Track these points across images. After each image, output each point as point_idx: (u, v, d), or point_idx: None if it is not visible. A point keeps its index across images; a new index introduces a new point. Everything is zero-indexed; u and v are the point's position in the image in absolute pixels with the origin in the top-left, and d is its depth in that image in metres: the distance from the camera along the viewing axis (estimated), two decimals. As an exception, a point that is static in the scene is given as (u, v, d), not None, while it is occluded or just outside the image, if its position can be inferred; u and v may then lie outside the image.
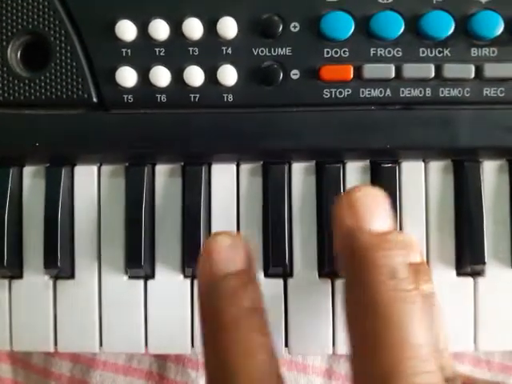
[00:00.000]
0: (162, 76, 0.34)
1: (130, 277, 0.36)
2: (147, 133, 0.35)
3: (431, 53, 0.34)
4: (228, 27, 0.34)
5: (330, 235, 0.35)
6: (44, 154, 0.36)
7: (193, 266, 0.35)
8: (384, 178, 0.36)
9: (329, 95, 0.34)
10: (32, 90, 0.35)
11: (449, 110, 0.34)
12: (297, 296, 0.36)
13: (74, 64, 0.35)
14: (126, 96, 0.35)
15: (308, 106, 0.35)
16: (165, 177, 0.37)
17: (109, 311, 0.36)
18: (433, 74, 0.34)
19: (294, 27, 0.34)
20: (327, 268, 0.36)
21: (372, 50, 0.34)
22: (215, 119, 0.35)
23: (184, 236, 0.36)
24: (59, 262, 0.36)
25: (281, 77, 0.34)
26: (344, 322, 0.27)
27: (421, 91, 0.34)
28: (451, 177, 0.36)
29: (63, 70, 0.35)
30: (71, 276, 0.37)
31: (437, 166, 0.36)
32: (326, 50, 0.34)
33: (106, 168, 0.37)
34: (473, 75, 0.34)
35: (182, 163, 0.37)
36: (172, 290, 0.36)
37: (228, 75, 0.34)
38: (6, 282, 0.37)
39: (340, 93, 0.34)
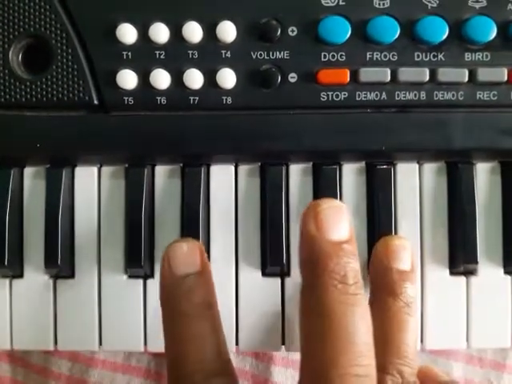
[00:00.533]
0: (162, 79, 0.35)
1: (130, 276, 0.37)
2: (147, 134, 0.35)
3: (426, 57, 0.35)
4: (227, 31, 0.34)
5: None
6: (45, 156, 0.36)
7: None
8: (379, 180, 0.36)
9: (326, 98, 0.35)
10: (33, 92, 0.35)
11: (443, 113, 0.35)
12: (294, 295, 0.36)
13: (75, 66, 0.35)
14: (126, 98, 0.35)
15: (305, 108, 0.35)
16: (164, 178, 0.37)
17: (108, 310, 0.37)
18: (427, 78, 0.35)
19: (292, 31, 0.35)
20: (324, 267, 0.36)
21: (368, 54, 0.35)
22: (214, 121, 0.35)
23: (183, 236, 0.36)
24: (59, 262, 0.36)
25: (279, 80, 0.35)
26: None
27: (416, 94, 0.35)
28: (445, 178, 0.37)
29: (64, 73, 0.35)
30: (71, 275, 0.37)
31: (431, 168, 0.37)
32: (323, 53, 0.35)
33: (106, 169, 0.37)
34: (466, 79, 0.35)
35: (182, 164, 0.37)
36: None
37: (227, 78, 0.35)
38: (7, 281, 0.37)
39: (337, 96, 0.35)
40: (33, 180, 0.37)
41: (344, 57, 0.35)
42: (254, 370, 0.42)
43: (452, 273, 0.37)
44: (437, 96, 0.35)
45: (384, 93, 0.35)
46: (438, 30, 0.34)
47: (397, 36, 0.34)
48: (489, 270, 0.36)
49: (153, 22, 0.35)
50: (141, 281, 0.37)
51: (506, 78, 0.34)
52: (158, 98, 0.35)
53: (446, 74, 0.35)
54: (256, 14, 0.35)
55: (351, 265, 0.29)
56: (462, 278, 0.37)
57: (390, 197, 0.36)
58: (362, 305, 0.29)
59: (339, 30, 0.34)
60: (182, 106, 0.35)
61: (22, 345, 0.37)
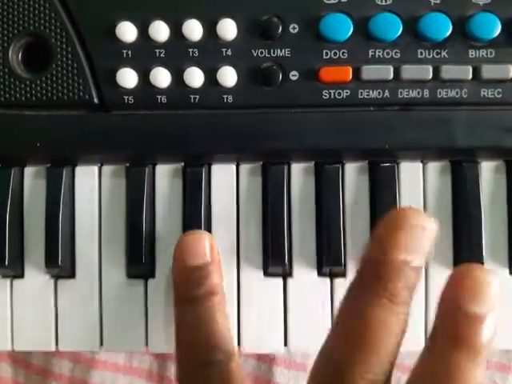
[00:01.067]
0: (162, 77, 0.34)
1: (131, 276, 0.37)
2: (148, 133, 0.35)
3: (429, 54, 0.34)
4: (228, 29, 0.34)
5: (329, 235, 0.36)
6: (45, 155, 0.36)
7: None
8: (382, 178, 0.36)
9: (328, 96, 0.35)
10: (33, 91, 0.35)
11: (447, 111, 0.35)
12: (296, 295, 0.36)
13: (75, 65, 0.35)
14: (126, 97, 0.35)
15: (307, 106, 0.35)
16: (165, 177, 0.37)
17: (109, 310, 0.37)
18: (431, 76, 0.34)
19: (294, 29, 0.34)
20: (326, 267, 0.36)
21: (370, 51, 0.34)
22: (215, 120, 0.35)
23: (184, 236, 0.36)
24: (60, 262, 0.36)
25: (280, 78, 0.34)
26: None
27: (419, 92, 0.34)
28: (449, 177, 0.36)
29: (64, 71, 0.35)
30: (72, 275, 0.37)
31: (435, 167, 0.36)
32: (325, 51, 0.34)
33: (106, 168, 0.37)
34: (470, 76, 0.34)
35: (183, 163, 0.37)
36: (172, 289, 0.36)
37: (228, 76, 0.34)
38: (8, 281, 0.37)
39: (339, 94, 0.35)
40: (33, 179, 0.37)
41: (346, 54, 0.34)
42: (257, 370, 0.42)
43: (456, 273, 0.36)
44: (440, 94, 0.34)
45: (387, 91, 0.34)
46: (441, 26, 0.34)
47: (399, 33, 0.34)
48: (494, 271, 0.36)
49: (153, 20, 0.34)
50: (142, 281, 0.37)
51: (510, 76, 0.34)
52: (159, 97, 0.35)
53: (450, 72, 0.34)
54: (257, 11, 0.34)
55: (402, 283, 0.28)
56: (467, 279, 0.36)
57: (393, 196, 0.36)
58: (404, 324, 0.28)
59: (341, 27, 0.34)
60: (182, 104, 0.35)
61: (23, 346, 0.37)
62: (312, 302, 0.36)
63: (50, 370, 0.43)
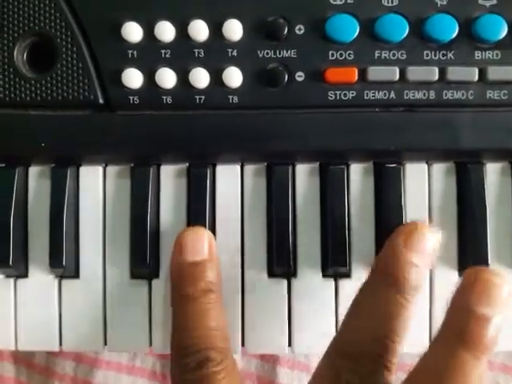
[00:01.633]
0: (167, 78, 0.34)
1: (135, 276, 0.37)
2: (153, 134, 0.35)
3: (435, 55, 0.34)
4: (233, 29, 0.34)
5: (334, 236, 0.36)
6: (50, 155, 0.36)
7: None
8: (388, 179, 0.36)
9: (333, 97, 0.35)
10: (38, 91, 0.35)
11: (452, 113, 0.35)
12: (300, 296, 0.36)
13: (80, 65, 0.35)
14: (131, 97, 0.35)
15: (313, 107, 0.35)
16: (170, 177, 0.37)
17: (113, 310, 0.37)
18: (436, 77, 0.34)
19: (299, 30, 0.34)
20: (331, 268, 0.36)
21: (376, 52, 0.34)
22: (220, 121, 0.35)
23: (189, 236, 0.36)
24: (64, 262, 0.36)
25: (286, 79, 0.34)
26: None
27: (424, 94, 0.34)
28: (454, 178, 0.36)
29: (69, 71, 0.35)
30: (76, 275, 0.37)
31: (440, 168, 0.36)
32: (330, 52, 0.34)
33: (111, 168, 0.37)
34: (476, 78, 0.34)
35: (187, 164, 0.37)
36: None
37: (233, 77, 0.34)
38: (12, 281, 0.37)
39: (345, 95, 0.35)
40: (38, 179, 0.37)
41: (352, 55, 0.34)
42: (260, 371, 0.42)
43: (461, 275, 0.36)
44: (446, 95, 0.34)
45: (392, 92, 0.34)
46: (447, 28, 0.34)
47: (405, 34, 0.34)
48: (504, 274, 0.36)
49: (158, 20, 0.34)
50: (146, 281, 0.37)
51: (516, 77, 0.34)
52: (164, 97, 0.35)
53: (456, 73, 0.34)
54: (263, 12, 0.34)
55: (414, 285, 0.31)
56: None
57: (398, 197, 0.36)
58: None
59: (347, 28, 0.34)
60: (187, 105, 0.35)
61: (27, 345, 0.37)
62: (316, 302, 0.36)
63: (53, 370, 0.43)
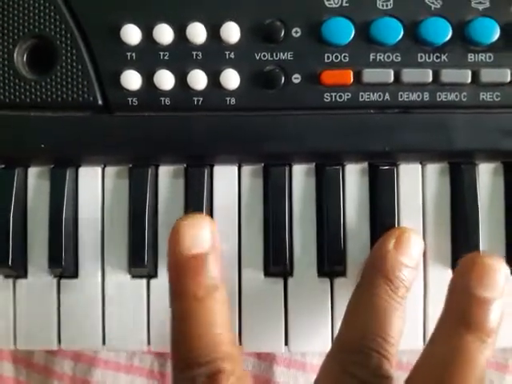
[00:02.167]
0: (166, 79, 0.35)
1: (134, 276, 0.37)
2: (151, 135, 0.35)
3: (429, 58, 0.35)
4: (231, 32, 0.34)
5: (330, 235, 0.36)
6: (49, 156, 0.36)
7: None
8: (382, 180, 0.36)
9: (329, 99, 0.35)
10: (38, 93, 0.35)
11: (446, 114, 0.35)
12: (296, 295, 0.37)
13: (80, 67, 0.35)
14: (130, 99, 0.35)
15: (309, 109, 0.35)
16: (168, 178, 0.37)
17: (112, 310, 0.37)
18: (430, 79, 0.35)
19: (296, 32, 0.35)
20: (326, 267, 0.36)
21: (371, 55, 0.35)
22: (218, 122, 0.35)
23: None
24: (63, 262, 0.36)
25: (282, 81, 0.35)
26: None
27: (419, 95, 0.35)
28: (448, 179, 0.37)
29: (69, 73, 0.35)
30: (75, 275, 0.37)
31: (434, 168, 0.37)
32: (326, 54, 0.35)
33: (110, 169, 0.37)
34: (469, 80, 0.35)
35: (185, 165, 0.37)
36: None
37: (231, 79, 0.35)
38: (11, 281, 0.37)
39: (340, 97, 0.35)
40: (37, 180, 0.37)
41: (347, 58, 0.35)
42: (257, 370, 0.42)
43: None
44: (440, 97, 0.35)
45: (387, 94, 0.35)
46: (441, 31, 0.34)
47: (400, 37, 0.35)
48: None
49: (157, 22, 0.35)
50: (144, 281, 0.37)
51: (509, 79, 0.35)
52: (162, 99, 0.35)
53: (449, 75, 0.35)
54: (260, 14, 0.35)
55: (405, 283, 0.33)
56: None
57: (392, 197, 0.36)
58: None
59: (343, 31, 0.34)
60: (185, 106, 0.35)
61: (26, 344, 0.37)
62: (312, 301, 0.37)
63: (52, 369, 0.43)
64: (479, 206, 0.36)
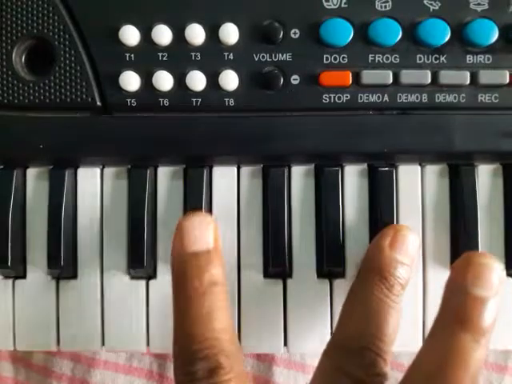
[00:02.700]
0: (164, 80, 0.35)
1: (132, 277, 0.37)
2: (150, 136, 0.35)
3: (428, 59, 0.35)
4: (230, 33, 0.34)
5: (329, 237, 0.36)
6: (48, 157, 0.36)
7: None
8: (381, 181, 0.36)
9: (328, 100, 0.35)
10: (36, 94, 0.35)
11: (444, 116, 0.35)
12: (296, 296, 0.37)
13: (78, 68, 0.35)
14: (129, 100, 0.35)
15: (307, 110, 0.35)
16: (167, 179, 0.37)
17: (111, 311, 0.37)
18: (429, 80, 0.35)
19: (295, 34, 0.35)
20: (325, 269, 0.36)
21: (370, 56, 0.35)
22: (217, 123, 0.35)
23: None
24: (62, 263, 0.36)
25: (281, 82, 0.35)
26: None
27: (417, 97, 0.35)
28: (447, 180, 0.37)
29: (67, 74, 0.35)
30: (74, 276, 0.37)
31: (433, 170, 0.37)
32: (325, 56, 0.35)
33: (108, 170, 0.37)
34: (468, 81, 0.35)
35: (184, 166, 0.37)
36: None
37: (229, 80, 0.35)
38: (10, 281, 0.37)
39: (339, 98, 0.35)
40: (36, 181, 0.37)
41: (346, 59, 0.35)
42: (256, 371, 0.42)
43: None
44: (438, 98, 0.35)
45: (386, 95, 0.35)
46: (439, 32, 0.34)
47: (399, 38, 0.35)
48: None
49: (155, 23, 0.35)
50: (143, 282, 0.37)
51: (507, 81, 0.35)
52: (161, 100, 0.35)
53: (448, 77, 0.35)
54: (259, 16, 0.35)
55: (401, 281, 0.33)
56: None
57: (392, 198, 0.36)
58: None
59: (341, 32, 0.34)
60: (184, 107, 0.35)
61: (25, 345, 0.37)
62: (311, 302, 0.37)
63: (51, 370, 0.43)
64: (478, 208, 0.36)
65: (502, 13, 0.34)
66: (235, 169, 0.37)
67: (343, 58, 0.35)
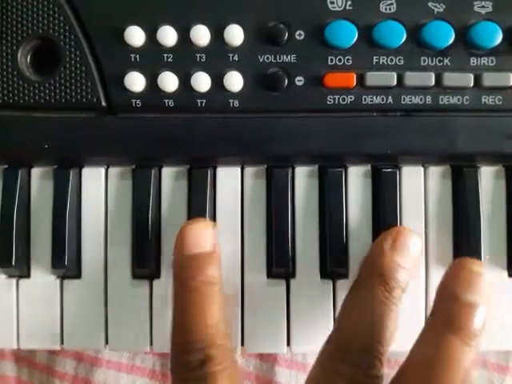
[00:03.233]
0: (169, 81, 0.35)
1: (136, 276, 0.37)
2: (154, 136, 0.36)
3: (432, 61, 0.35)
4: (235, 34, 0.35)
5: (332, 237, 0.36)
6: (52, 156, 0.37)
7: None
8: (385, 182, 0.36)
9: (332, 102, 0.35)
10: (42, 94, 0.35)
11: (448, 117, 0.35)
12: (299, 296, 0.37)
13: (84, 68, 0.35)
14: (134, 100, 0.35)
15: (312, 111, 0.36)
16: (171, 179, 0.37)
17: (114, 310, 0.37)
18: (433, 82, 0.35)
19: (299, 35, 0.35)
20: (329, 269, 0.37)
21: (374, 58, 0.35)
22: (221, 124, 0.36)
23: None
24: (66, 262, 0.36)
25: (286, 83, 0.35)
26: None
27: (421, 99, 0.35)
28: (450, 181, 0.37)
29: (73, 75, 0.35)
30: (78, 276, 0.37)
31: (436, 171, 0.37)
32: (329, 57, 0.35)
33: (113, 170, 0.38)
34: (472, 84, 0.35)
35: (188, 166, 0.37)
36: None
37: (234, 81, 0.35)
38: (14, 281, 0.37)
39: (343, 99, 0.35)
40: (40, 180, 0.37)
41: (350, 61, 0.35)
42: (258, 371, 0.42)
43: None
44: (442, 100, 0.35)
45: (390, 97, 0.35)
46: (443, 34, 0.34)
47: (403, 40, 0.35)
48: (493, 273, 0.36)
49: (161, 24, 0.35)
50: (147, 281, 0.37)
51: (511, 83, 0.35)
52: (166, 101, 0.35)
53: (452, 79, 0.35)
54: (264, 17, 0.35)
55: (401, 284, 0.33)
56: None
57: (395, 199, 0.36)
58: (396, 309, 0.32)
59: (346, 34, 0.35)
60: (189, 108, 0.35)
61: (29, 344, 0.38)
62: (314, 302, 0.37)
63: (54, 369, 0.43)
64: (481, 209, 0.36)
65: (506, 15, 0.35)
66: (239, 169, 0.37)
67: (348, 59, 0.35)
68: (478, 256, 0.36)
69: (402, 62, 0.35)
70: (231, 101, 0.35)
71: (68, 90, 0.35)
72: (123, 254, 0.37)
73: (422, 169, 0.37)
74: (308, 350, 0.38)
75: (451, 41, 0.35)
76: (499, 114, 0.35)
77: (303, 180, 0.37)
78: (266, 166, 0.37)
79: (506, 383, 0.41)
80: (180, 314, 0.33)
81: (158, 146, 0.36)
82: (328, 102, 0.35)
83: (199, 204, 0.37)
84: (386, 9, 0.35)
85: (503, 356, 0.42)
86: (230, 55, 0.35)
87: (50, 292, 0.37)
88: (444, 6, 0.35)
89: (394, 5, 0.35)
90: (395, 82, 0.35)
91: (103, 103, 0.35)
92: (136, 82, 0.35)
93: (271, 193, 0.37)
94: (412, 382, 0.29)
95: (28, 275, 0.37)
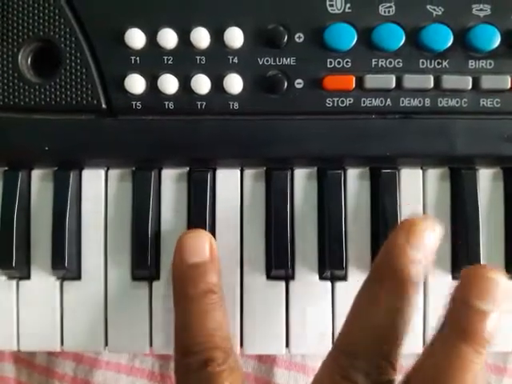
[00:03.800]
0: (169, 83, 0.35)
1: (136, 278, 0.37)
2: (154, 138, 0.36)
3: (430, 64, 0.35)
4: (234, 37, 0.35)
5: (331, 239, 0.36)
6: (52, 158, 0.37)
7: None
8: (383, 184, 0.37)
9: (331, 104, 0.35)
10: (42, 96, 0.35)
11: (446, 120, 0.35)
12: (298, 298, 0.37)
13: (84, 70, 0.35)
14: (134, 102, 0.36)
15: (311, 114, 0.36)
16: (171, 181, 0.37)
17: (114, 312, 0.37)
18: (432, 85, 0.35)
19: (299, 38, 0.35)
20: (328, 271, 0.37)
21: (373, 60, 0.35)
22: (221, 126, 0.36)
23: (189, 239, 0.37)
24: (66, 264, 0.36)
25: (285, 86, 0.35)
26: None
27: (420, 101, 0.35)
28: (448, 184, 0.37)
29: (73, 77, 0.35)
30: (78, 277, 0.37)
31: (434, 173, 0.37)
32: (329, 60, 0.35)
33: (113, 172, 0.38)
34: (470, 86, 0.35)
35: (188, 168, 0.37)
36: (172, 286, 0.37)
37: (234, 83, 0.35)
38: (14, 282, 0.37)
39: (342, 102, 0.35)
40: (41, 182, 0.38)
41: (349, 63, 0.35)
42: (257, 372, 0.42)
43: (454, 277, 0.37)
44: (441, 103, 0.35)
45: (389, 99, 0.35)
46: (442, 37, 0.35)
47: (402, 43, 0.35)
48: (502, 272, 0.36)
49: (161, 27, 0.35)
50: (146, 283, 0.37)
51: (509, 86, 0.35)
52: (166, 103, 0.35)
53: (450, 81, 0.35)
54: (263, 20, 0.35)
55: (416, 279, 0.31)
56: (465, 283, 0.37)
57: (394, 202, 0.36)
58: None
59: (345, 36, 0.35)
60: (189, 110, 0.36)
61: (29, 346, 0.38)
62: (313, 304, 0.37)
63: (53, 370, 0.43)
64: (479, 211, 0.36)
65: (505, 18, 0.35)
66: (238, 171, 0.37)
67: (347, 62, 0.35)
68: (477, 258, 0.36)
69: (401, 64, 0.35)
70: (231, 103, 0.35)
71: (68, 92, 0.35)
72: (123, 256, 0.37)
73: (420, 171, 0.37)
74: (307, 351, 0.38)
75: (450, 43, 0.35)
76: (497, 117, 0.35)
77: (302, 182, 0.37)
78: (265, 168, 0.38)
79: (503, 384, 0.41)
80: (182, 320, 0.34)
81: (158, 148, 0.36)
82: (327, 105, 0.35)
83: (199, 206, 0.37)
84: (384, 11, 0.35)
85: (501, 357, 0.42)
86: (230, 57, 0.35)
87: (50, 293, 0.37)
88: (443, 9, 0.35)
89: (393, 7, 0.35)
90: (394, 85, 0.35)
91: (103, 105, 0.36)
92: (136, 84, 0.35)
93: (270, 195, 0.37)
94: None
95: (28, 277, 0.37)
